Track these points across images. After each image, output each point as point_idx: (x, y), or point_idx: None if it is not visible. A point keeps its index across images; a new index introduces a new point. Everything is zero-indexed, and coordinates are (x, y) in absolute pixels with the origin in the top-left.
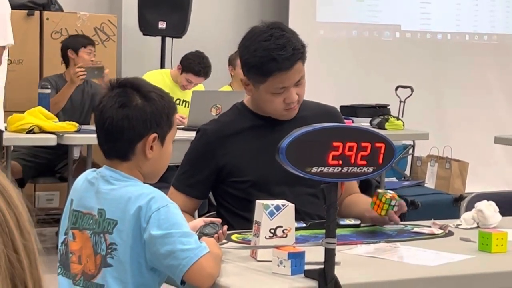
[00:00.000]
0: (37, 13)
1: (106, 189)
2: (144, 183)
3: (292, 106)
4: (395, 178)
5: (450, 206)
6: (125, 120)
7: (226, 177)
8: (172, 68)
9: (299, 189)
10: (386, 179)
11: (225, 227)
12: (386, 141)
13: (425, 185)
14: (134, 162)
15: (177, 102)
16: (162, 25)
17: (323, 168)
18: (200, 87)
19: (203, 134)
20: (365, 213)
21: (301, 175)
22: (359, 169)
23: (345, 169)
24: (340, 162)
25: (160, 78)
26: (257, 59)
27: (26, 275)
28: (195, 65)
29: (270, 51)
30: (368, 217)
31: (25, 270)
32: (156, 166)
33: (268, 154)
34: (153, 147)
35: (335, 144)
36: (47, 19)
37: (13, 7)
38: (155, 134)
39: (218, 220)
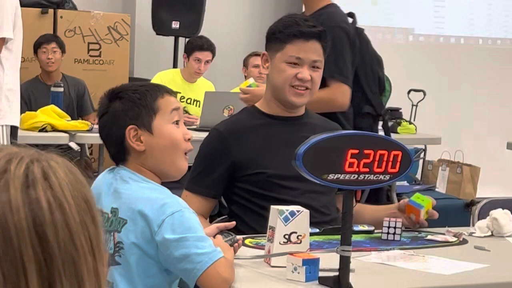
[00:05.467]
0: (51, 11)
1: (122, 188)
2: (165, 181)
3: (302, 86)
4: (406, 182)
5: (461, 211)
6: (104, 128)
7: (240, 172)
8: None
9: (309, 185)
10: (397, 183)
11: (240, 240)
12: (403, 149)
13: (436, 189)
14: (133, 160)
15: (188, 101)
16: (175, 25)
17: (339, 175)
18: (211, 87)
19: (215, 134)
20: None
21: (318, 182)
22: (376, 177)
23: (361, 176)
24: (357, 169)
25: (171, 78)
26: (281, 24)
27: None
28: (197, 41)
29: (295, 18)
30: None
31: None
32: (160, 155)
33: (280, 150)
34: (140, 138)
35: (352, 151)
36: (61, 17)
37: (28, 4)
38: (131, 126)
39: (232, 223)
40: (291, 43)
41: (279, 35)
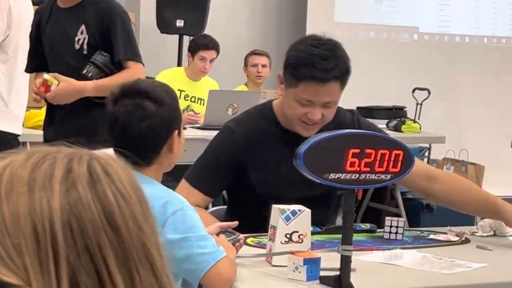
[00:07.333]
0: None
1: None
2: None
3: (310, 123)
4: None
5: None
6: (148, 132)
7: (244, 180)
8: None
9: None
10: None
11: (242, 239)
12: (404, 148)
13: None
14: (157, 162)
15: (192, 99)
16: (180, 23)
17: (340, 174)
18: (215, 86)
19: (230, 136)
20: None
21: (318, 181)
22: (377, 176)
23: (362, 176)
24: (358, 169)
25: (175, 76)
26: (297, 59)
27: None
28: (201, 40)
29: (313, 56)
30: None
31: None
32: (176, 156)
33: (290, 171)
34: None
35: (353, 150)
36: None
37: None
38: (176, 130)
39: (235, 223)
40: (304, 83)
41: (292, 71)
